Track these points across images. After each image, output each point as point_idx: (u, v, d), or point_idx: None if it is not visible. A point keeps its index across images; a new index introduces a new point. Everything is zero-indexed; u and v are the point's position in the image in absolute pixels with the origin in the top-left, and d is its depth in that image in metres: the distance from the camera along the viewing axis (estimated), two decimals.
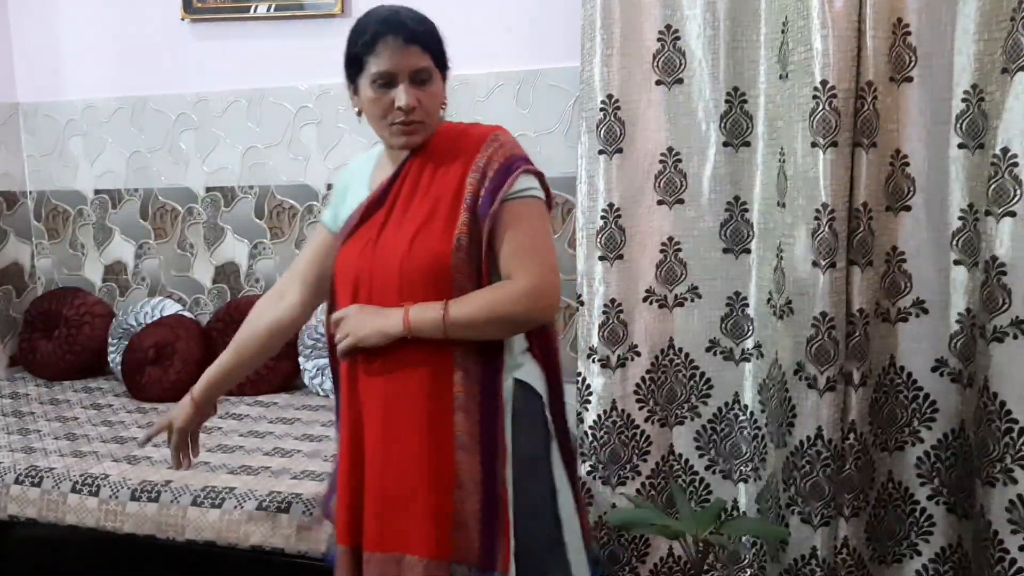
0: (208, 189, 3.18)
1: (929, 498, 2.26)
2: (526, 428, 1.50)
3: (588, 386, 2.45)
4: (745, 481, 2.43)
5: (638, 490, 2.45)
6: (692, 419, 2.45)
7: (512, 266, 1.45)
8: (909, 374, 2.24)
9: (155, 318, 3.10)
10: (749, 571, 2.45)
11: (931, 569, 2.28)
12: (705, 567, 2.40)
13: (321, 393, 2.96)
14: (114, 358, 3.14)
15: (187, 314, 3.15)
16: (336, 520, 1.48)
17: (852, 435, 2.18)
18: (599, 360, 2.43)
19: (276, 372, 3.00)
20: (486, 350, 1.46)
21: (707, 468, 2.46)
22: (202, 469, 2.19)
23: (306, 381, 3.01)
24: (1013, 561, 2.00)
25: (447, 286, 1.43)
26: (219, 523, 1.97)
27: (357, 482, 1.45)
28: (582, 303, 2.45)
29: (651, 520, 2.12)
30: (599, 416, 2.43)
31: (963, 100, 2.07)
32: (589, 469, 2.46)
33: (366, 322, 1.44)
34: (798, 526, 2.19)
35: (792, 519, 2.20)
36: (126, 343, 3.06)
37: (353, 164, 1.67)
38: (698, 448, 2.46)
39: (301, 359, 3.01)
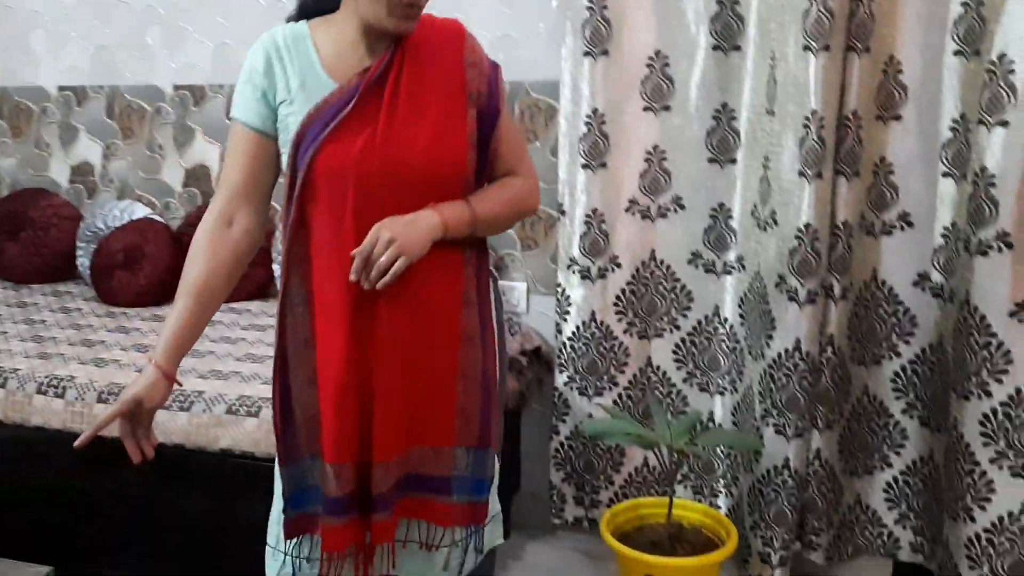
0: (176, 87, 3.04)
1: (903, 412, 2.27)
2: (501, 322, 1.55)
3: (567, 297, 2.41)
4: (722, 394, 2.42)
5: (615, 401, 2.44)
6: (671, 331, 2.43)
7: (513, 163, 1.49)
8: (890, 288, 2.22)
9: (124, 222, 3.01)
10: (723, 481, 2.47)
11: (901, 481, 2.30)
12: (679, 477, 2.42)
13: None
14: (83, 262, 3.06)
15: (157, 218, 3.06)
16: (331, 438, 1.36)
17: (830, 348, 2.17)
18: (579, 271, 2.38)
19: (250, 279, 2.94)
20: (481, 247, 1.48)
21: (684, 380, 2.45)
22: None
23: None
24: (983, 473, 2.01)
25: (464, 184, 1.41)
26: (188, 426, 1.94)
27: (363, 394, 1.37)
28: (563, 213, 2.40)
29: (626, 430, 2.11)
30: (578, 327, 2.40)
31: (962, 3, 1.99)
32: (566, 380, 2.45)
33: (413, 235, 1.32)
34: (772, 438, 2.19)
35: (766, 431, 2.20)
36: (94, 247, 2.98)
37: (265, 47, 1.40)
38: (676, 361, 2.44)
39: (275, 265, 2.94)
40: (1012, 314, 1.95)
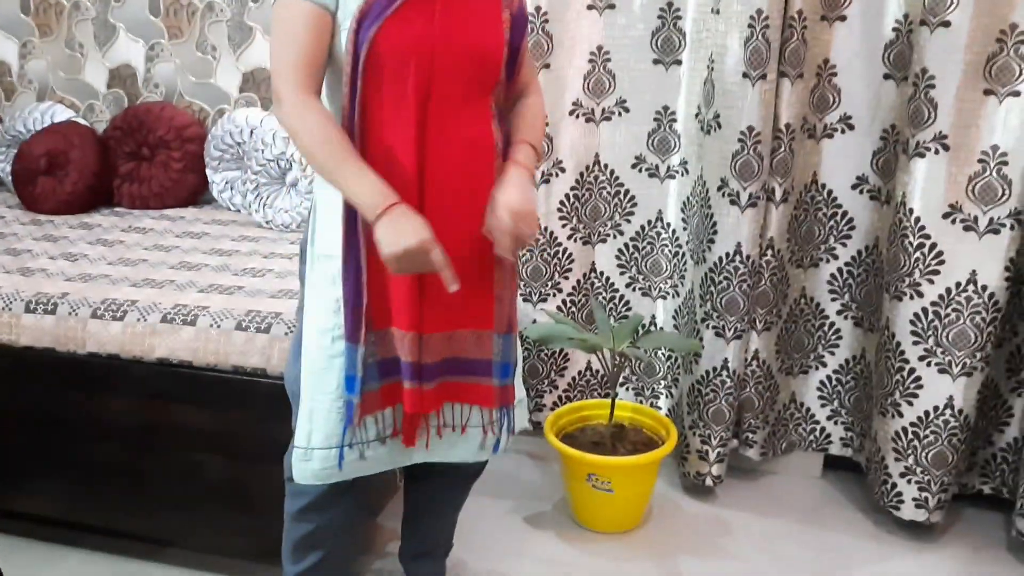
0: None
1: (839, 313, 2.32)
2: None
3: None
4: (664, 298, 2.45)
5: (559, 307, 2.45)
6: (615, 237, 2.43)
7: (531, 76, 1.60)
8: (830, 191, 2.24)
9: (45, 125, 2.87)
10: (663, 383, 2.52)
11: (835, 379, 2.38)
12: (621, 380, 2.46)
13: (231, 207, 2.82)
14: (3, 167, 2.92)
15: (81, 121, 2.92)
16: (407, 308, 1.44)
17: (770, 252, 2.19)
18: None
19: (182, 185, 2.85)
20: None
21: (627, 286, 2.46)
22: (102, 282, 2.09)
23: (215, 195, 2.86)
24: (912, 370, 2.08)
25: (499, 74, 1.47)
26: (122, 336, 1.89)
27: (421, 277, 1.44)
28: None
29: (569, 334, 2.12)
30: None
31: None
32: None
33: (530, 196, 1.47)
34: (712, 339, 2.23)
35: (706, 333, 2.24)
36: (15, 151, 2.84)
37: None
38: (620, 266, 2.45)
39: (209, 171, 2.85)
40: (946, 215, 1.98)
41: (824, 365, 2.39)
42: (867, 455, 2.34)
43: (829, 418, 2.42)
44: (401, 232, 1.32)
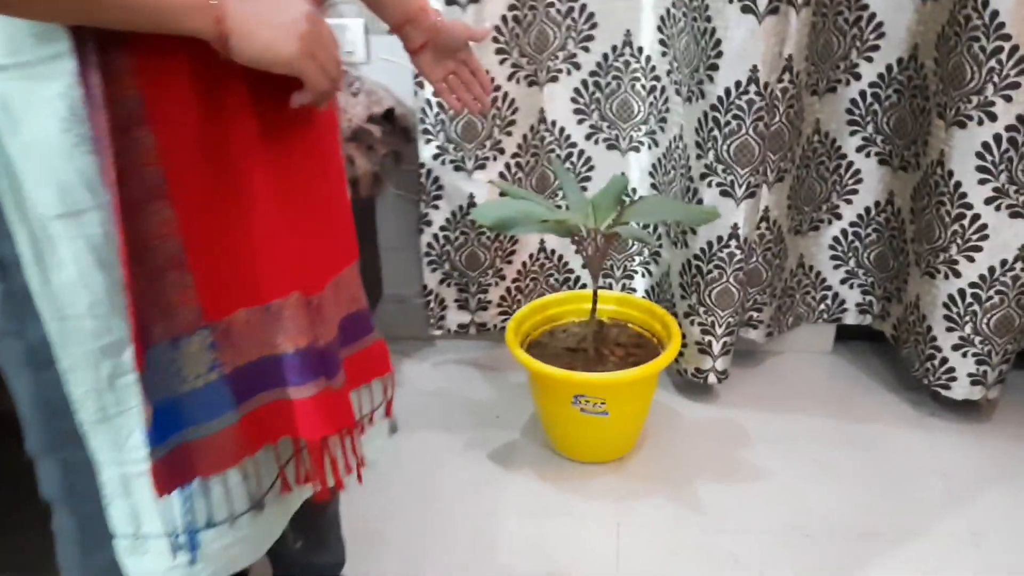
0: None
1: (859, 149, 1.82)
2: None
3: None
4: (636, 150, 1.87)
5: (501, 175, 1.83)
6: (568, 72, 1.81)
7: None
8: None
9: None
10: (638, 259, 1.99)
11: (851, 233, 1.91)
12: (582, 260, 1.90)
13: None
14: None
15: None
16: (263, 266, 0.82)
17: (787, 77, 1.63)
18: None
19: None
20: None
21: (588, 137, 1.87)
22: None
23: None
24: (976, 217, 1.61)
25: None
26: None
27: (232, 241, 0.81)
28: None
29: (536, 214, 1.53)
30: None
31: None
32: (435, 151, 1.80)
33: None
34: (716, 200, 1.69)
35: (707, 192, 1.69)
36: None
37: None
38: (577, 111, 1.84)
39: None
40: None
41: (839, 217, 1.90)
42: (895, 323, 1.91)
43: (843, 281, 1.96)
44: (278, 3, 0.73)
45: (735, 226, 1.69)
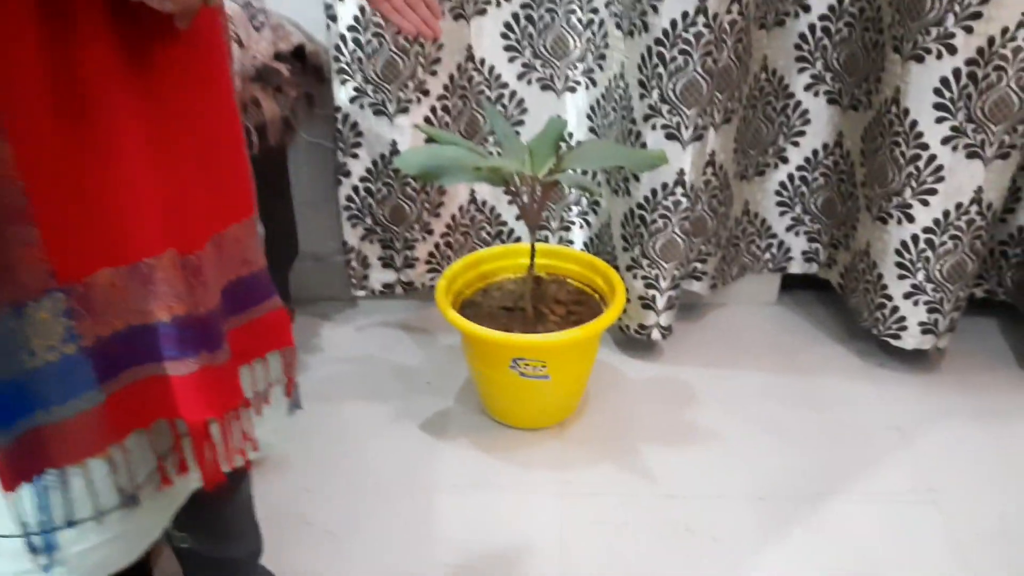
0: None
1: (808, 87, 1.71)
2: None
3: None
4: (573, 90, 1.73)
5: (427, 119, 1.67)
6: (498, 4, 1.64)
7: None
8: None
9: None
10: (576, 209, 1.86)
11: (798, 178, 1.81)
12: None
13: None
14: None
15: None
16: (125, 215, 0.67)
17: (736, 7, 1.50)
18: None
19: None
20: None
21: (520, 77, 1.71)
22: None
23: None
24: (933, 157, 1.52)
25: None
26: None
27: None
28: None
29: (467, 162, 1.37)
30: (362, 9, 1.54)
31: None
32: (353, 93, 1.63)
33: None
34: (661, 143, 1.56)
35: (652, 135, 1.56)
36: None
37: None
38: (508, 48, 1.68)
39: None
40: None
41: (785, 161, 1.80)
42: (842, 271, 1.83)
43: (789, 228, 1.87)
44: None
45: (681, 172, 1.57)
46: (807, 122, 1.75)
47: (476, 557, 1.32)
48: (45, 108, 0.60)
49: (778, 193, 1.83)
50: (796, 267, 1.91)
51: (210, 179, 0.74)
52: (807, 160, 1.79)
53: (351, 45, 1.57)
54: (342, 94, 1.63)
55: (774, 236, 1.88)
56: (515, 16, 1.65)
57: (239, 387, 0.81)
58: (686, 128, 1.53)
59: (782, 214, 1.85)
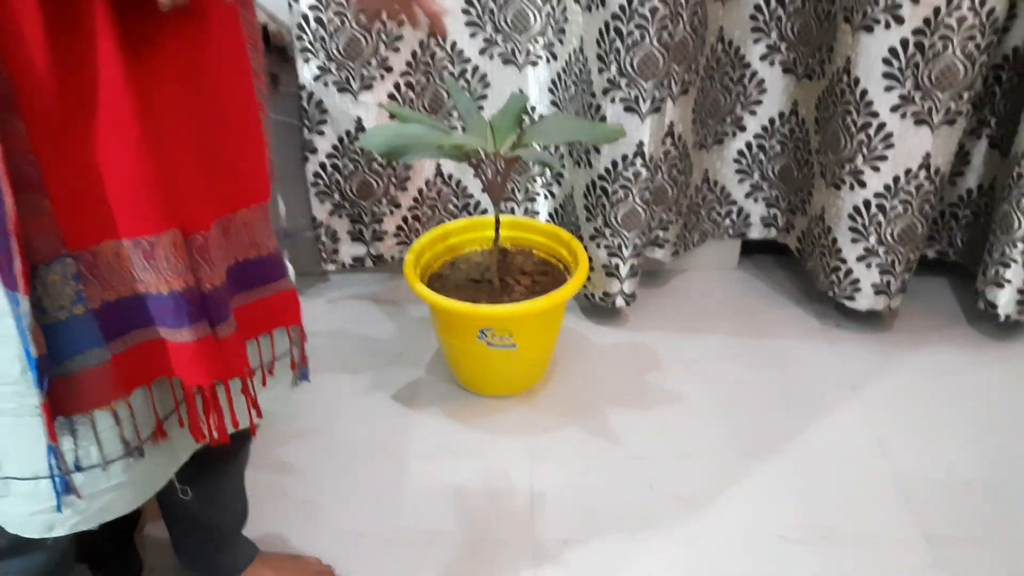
0: None
1: (763, 57, 1.75)
2: None
3: None
4: (534, 64, 1.75)
5: (391, 96, 1.69)
6: None
7: None
8: None
9: None
10: (540, 180, 1.90)
11: (755, 146, 1.86)
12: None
13: None
14: None
15: None
16: (133, 192, 0.72)
17: None
18: None
19: None
20: None
21: (482, 52, 1.74)
22: None
23: None
24: (882, 125, 1.57)
25: None
26: None
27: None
28: None
29: (430, 139, 1.40)
30: None
31: None
32: (316, 72, 1.64)
33: None
34: (620, 116, 1.60)
35: (611, 108, 1.60)
36: None
37: None
38: (470, 24, 1.70)
39: None
40: None
41: (743, 130, 1.84)
42: (800, 235, 1.89)
43: (748, 195, 1.92)
44: None
45: (640, 143, 1.61)
46: (763, 91, 1.79)
47: (449, 520, 1.38)
48: (54, 88, 0.65)
49: (736, 161, 1.88)
50: (755, 233, 1.96)
51: (218, 165, 0.77)
52: (764, 128, 1.83)
53: (313, 24, 1.59)
54: (306, 72, 1.64)
55: (733, 203, 1.93)
56: None
57: (244, 357, 0.86)
58: (644, 101, 1.57)
59: (741, 181, 1.90)
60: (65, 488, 0.79)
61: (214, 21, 0.74)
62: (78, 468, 0.78)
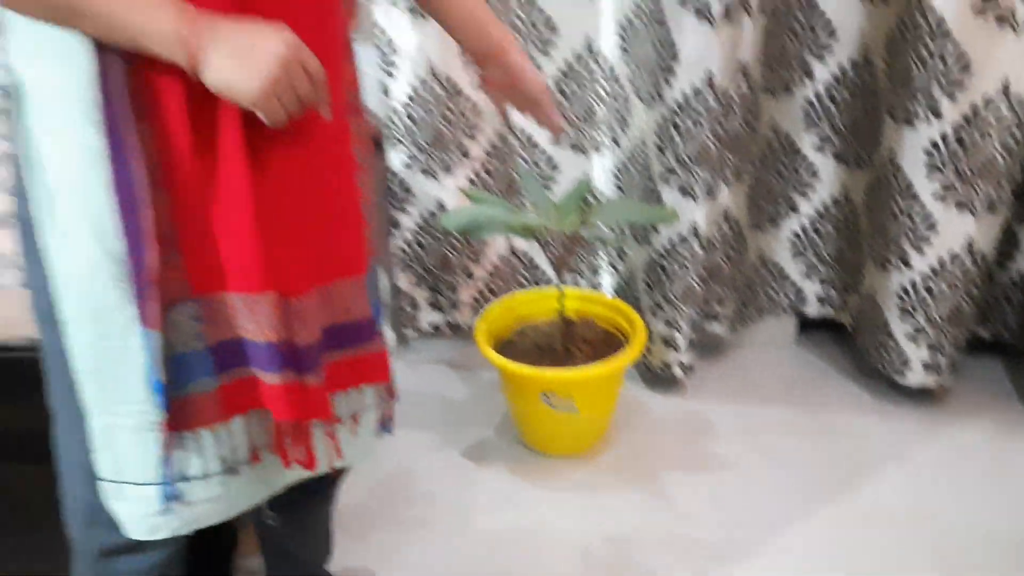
0: None
1: (817, 148, 1.88)
2: None
3: (393, 44, 1.75)
4: (598, 150, 1.92)
5: (470, 180, 1.88)
6: None
7: None
8: None
9: None
10: (605, 258, 2.04)
11: (811, 228, 1.97)
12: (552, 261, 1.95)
13: None
14: None
15: None
16: (246, 259, 0.89)
17: (742, 79, 1.69)
18: (408, 6, 1.71)
19: None
20: None
21: (553, 141, 1.92)
22: None
23: None
24: (925, 211, 1.67)
25: None
26: None
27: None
28: None
29: (501, 219, 1.58)
30: (414, 87, 1.77)
31: None
32: (405, 159, 1.85)
33: None
34: (676, 200, 1.74)
35: (668, 192, 1.75)
36: None
37: None
38: None
39: None
40: (979, 12, 1.52)
41: (796, 211, 1.96)
42: (853, 313, 1.97)
43: (803, 274, 2.03)
44: (255, 40, 0.79)
45: (694, 225, 1.75)
46: (816, 176, 1.91)
47: (506, 568, 1.50)
48: (192, 171, 0.84)
49: (791, 241, 1.99)
50: (811, 309, 2.06)
51: (320, 241, 0.94)
52: (817, 212, 1.95)
53: (404, 117, 1.79)
54: (395, 159, 1.85)
55: (789, 280, 2.03)
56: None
57: (326, 403, 1.01)
58: (698, 185, 1.71)
59: (796, 260, 2.01)
60: (172, 495, 0.94)
61: (324, 128, 0.91)
62: (184, 478, 0.94)
